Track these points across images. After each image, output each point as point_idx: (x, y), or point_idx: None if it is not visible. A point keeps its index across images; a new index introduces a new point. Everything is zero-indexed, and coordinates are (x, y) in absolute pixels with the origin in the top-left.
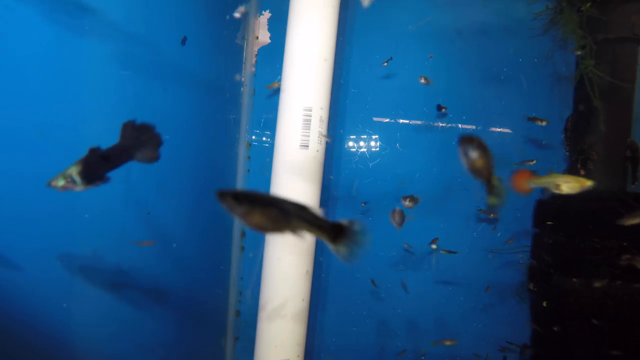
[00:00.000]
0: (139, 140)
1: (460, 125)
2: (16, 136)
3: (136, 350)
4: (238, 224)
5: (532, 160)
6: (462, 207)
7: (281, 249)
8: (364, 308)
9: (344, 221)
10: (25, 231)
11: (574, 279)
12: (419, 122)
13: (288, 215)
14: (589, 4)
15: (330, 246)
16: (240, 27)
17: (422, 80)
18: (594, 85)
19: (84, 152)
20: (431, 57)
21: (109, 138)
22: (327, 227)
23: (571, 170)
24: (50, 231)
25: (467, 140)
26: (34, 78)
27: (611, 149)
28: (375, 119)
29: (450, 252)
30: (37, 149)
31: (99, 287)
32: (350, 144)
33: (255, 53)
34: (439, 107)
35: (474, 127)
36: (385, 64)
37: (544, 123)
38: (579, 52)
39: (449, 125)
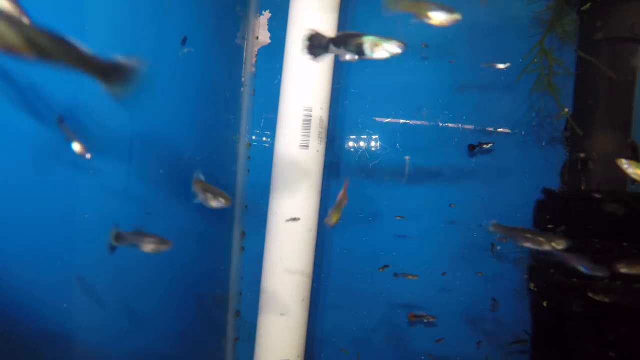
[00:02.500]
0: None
1: (460, 125)
2: (15, 135)
3: (136, 350)
4: (238, 225)
5: (489, 143)
6: (462, 207)
7: (282, 249)
8: (364, 308)
9: (119, 58)
10: (24, 231)
11: (574, 279)
12: (418, 122)
13: (39, 47)
14: (588, 4)
15: (103, 86)
16: (240, 27)
17: None
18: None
19: (84, 152)
20: (452, 62)
21: (109, 138)
22: (99, 65)
23: (570, 170)
24: (50, 231)
25: None
26: (32, 76)
27: (611, 149)
28: (375, 119)
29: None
30: (35, 148)
31: (98, 288)
32: (350, 144)
33: (255, 53)
34: (472, 147)
35: (472, 126)
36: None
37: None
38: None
39: (449, 125)
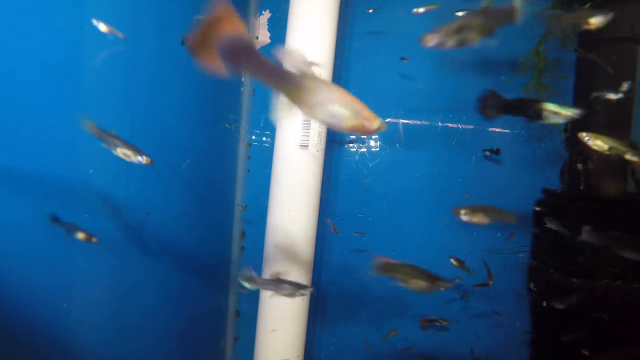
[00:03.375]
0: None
1: (460, 125)
2: (15, 136)
3: (136, 350)
4: (238, 225)
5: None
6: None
7: (281, 249)
8: (363, 308)
9: None
10: (25, 232)
11: (574, 279)
12: (419, 122)
13: None
14: (588, 4)
15: None
16: None
17: None
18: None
19: (85, 152)
20: (454, 62)
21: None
22: None
23: (570, 170)
24: (50, 231)
25: None
26: (33, 78)
27: None
28: None
29: None
30: (36, 149)
31: (98, 288)
32: (351, 143)
33: None
34: (490, 151)
35: (472, 126)
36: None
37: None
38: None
39: (449, 125)
